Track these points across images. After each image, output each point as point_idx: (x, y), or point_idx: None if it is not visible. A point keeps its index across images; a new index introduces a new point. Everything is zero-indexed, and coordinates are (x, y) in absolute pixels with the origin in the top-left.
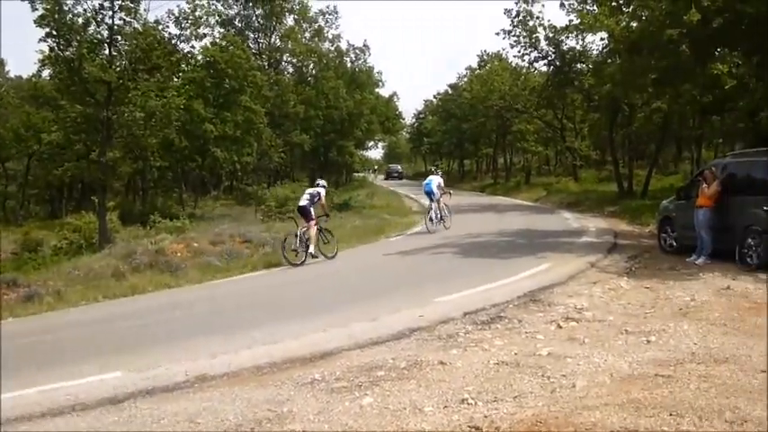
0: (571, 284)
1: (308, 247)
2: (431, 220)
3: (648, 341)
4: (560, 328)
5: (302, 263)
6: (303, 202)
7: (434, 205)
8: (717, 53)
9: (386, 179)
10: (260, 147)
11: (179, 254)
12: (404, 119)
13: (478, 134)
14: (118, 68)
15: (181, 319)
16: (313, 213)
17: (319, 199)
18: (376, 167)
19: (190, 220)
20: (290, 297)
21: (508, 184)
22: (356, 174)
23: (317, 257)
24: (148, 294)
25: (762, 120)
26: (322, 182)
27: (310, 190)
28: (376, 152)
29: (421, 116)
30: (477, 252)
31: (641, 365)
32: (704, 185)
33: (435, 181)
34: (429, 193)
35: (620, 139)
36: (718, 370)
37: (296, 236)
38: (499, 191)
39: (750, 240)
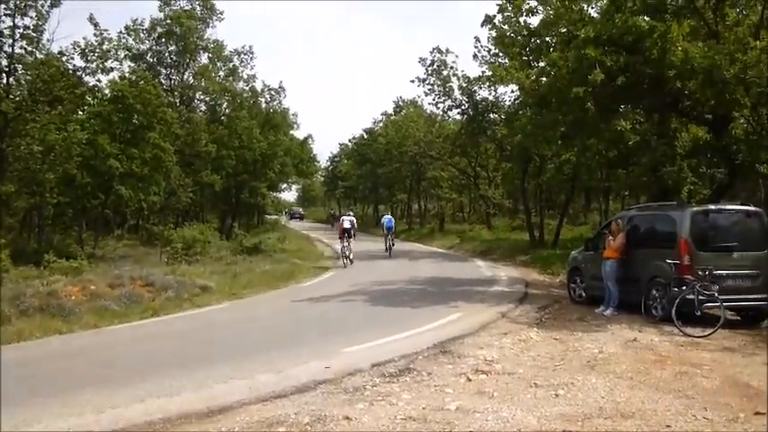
0: (482, 335)
1: (349, 256)
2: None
3: (557, 395)
4: (470, 380)
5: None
6: (347, 225)
7: (390, 238)
8: (620, 110)
9: (290, 219)
10: (168, 185)
11: (74, 297)
12: (318, 162)
13: (393, 179)
14: (16, 98)
15: (68, 369)
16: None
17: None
18: (286, 210)
19: (89, 261)
20: (190, 345)
21: (422, 231)
22: (268, 216)
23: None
24: (36, 341)
25: (663, 174)
26: (351, 214)
27: (350, 218)
28: (290, 194)
29: (336, 159)
30: (388, 300)
31: (549, 420)
32: (610, 238)
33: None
34: (389, 229)
35: (533, 188)
36: (624, 425)
37: (342, 249)
38: (413, 237)
39: (655, 292)
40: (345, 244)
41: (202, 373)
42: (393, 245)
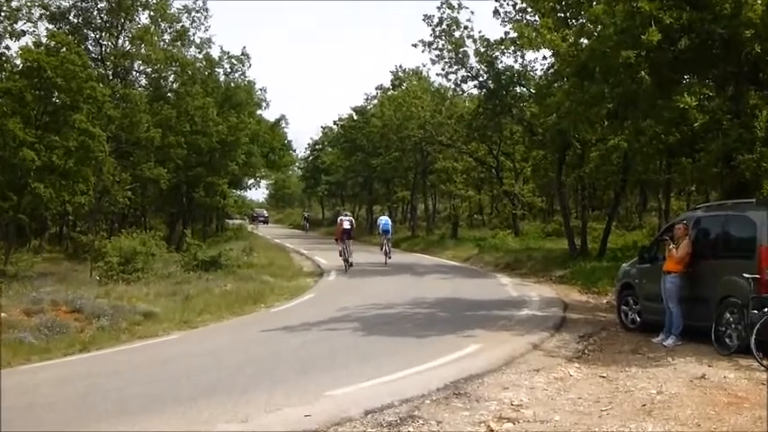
0: (507, 372)
1: (348, 259)
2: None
3: None
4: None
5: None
6: (347, 225)
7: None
8: (683, 81)
9: (251, 223)
10: (100, 183)
11: None
12: (295, 150)
13: (392, 172)
14: None
15: None
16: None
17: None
18: (248, 213)
19: None
20: (130, 388)
21: (430, 238)
22: (230, 221)
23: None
24: None
25: (739, 164)
26: (348, 214)
27: (349, 218)
28: (258, 193)
29: (317, 147)
30: (386, 328)
31: None
32: (672, 246)
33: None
34: (386, 232)
35: (572, 183)
36: None
37: (342, 252)
38: (418, 246)
39: (728, 316)
40: (345, 246)
41: (144, 423)
42: (390, 252)
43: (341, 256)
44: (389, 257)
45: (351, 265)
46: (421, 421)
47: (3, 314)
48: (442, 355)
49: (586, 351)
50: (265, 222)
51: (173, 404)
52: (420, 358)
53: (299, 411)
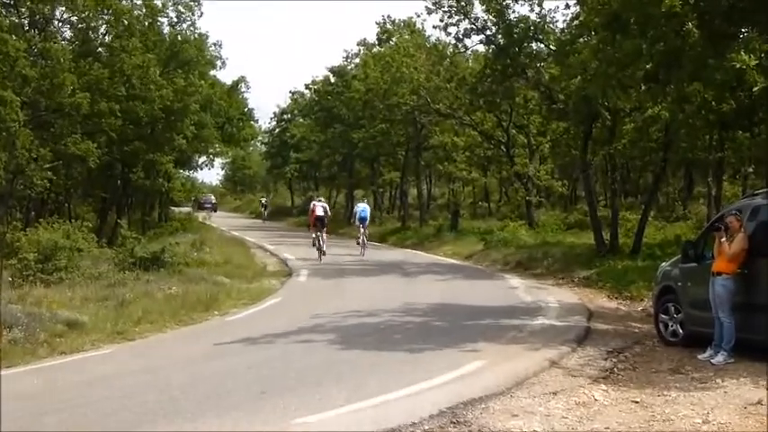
0: (518, 395)
1: (322, 248)
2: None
3: None
4: None
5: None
6: (320, 212)
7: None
8: (740, 36)
9: (198, 210)
10: (12, 161)
11: None
12: (257, 121)
13: (378, 149)
14: None
15: None
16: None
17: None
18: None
19: None
20: (49, 416)
21: (424, 231)
22: (176, 209)
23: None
24: None
25: None
26: (322, 199)
27: (322, 203)
28: (211, 174)
29: (285, 117)
30: (369, 341)
31: None
32: (723, 240)
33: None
34: (363, 220)
35: (600, 162)
36: None
37: (314, 240)
38: (410, 240)
39: None
40: (318, 234)
41: None
42: (366, 241)
43: (314, 245)
44: (365, 249)
45: (324, 254)
46: None
47: None
48: (436, 373)
49: (616, 370)
50: (213, 210)
51: None
52: (410, 378)
53: None
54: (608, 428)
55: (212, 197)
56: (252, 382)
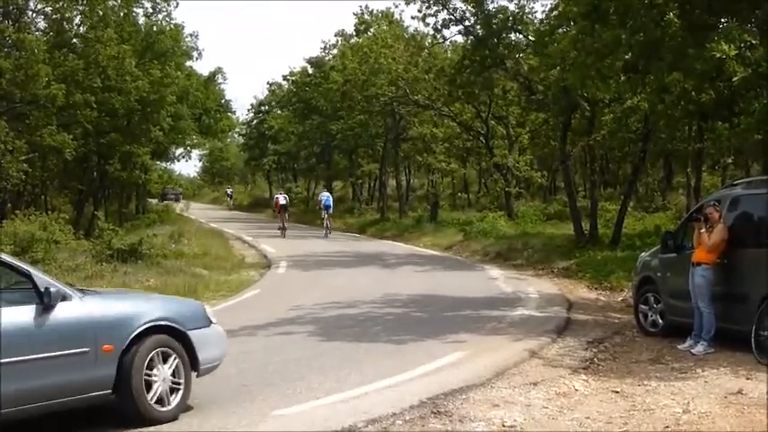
0: (498, 386)
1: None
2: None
3: None
4: None
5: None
6: (283, 201)
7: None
8: (720, 26)
9: (162, 200)
10: None
11: None
12: (234, 112)
13: (356, 140)
14: None
15: None
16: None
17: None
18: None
19: None
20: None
21: (403, 222)
22: (153, 201)
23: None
24: None
25: None
26: (283, 192)
27: (284, 195)
28: (189, 166)
29: (263, 109)
30: (349, 332)
31: None
32: (703, 231)
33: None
34: (328, 207)
35: (579, 153)
36: None
37: (281, 222)
38: (389, 232)
39: None
40: (282, 217)
41: None
42: (330, 226)
43: (279, 228)
44: (330, 232)
45: (285, 231)
46: None
47: None
48: (417, 364)
49: (596, 360)
50: (177, 200)
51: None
52: (391, 369)
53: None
54: (588, 418)
55: (179, 189)
56: (231, 374)
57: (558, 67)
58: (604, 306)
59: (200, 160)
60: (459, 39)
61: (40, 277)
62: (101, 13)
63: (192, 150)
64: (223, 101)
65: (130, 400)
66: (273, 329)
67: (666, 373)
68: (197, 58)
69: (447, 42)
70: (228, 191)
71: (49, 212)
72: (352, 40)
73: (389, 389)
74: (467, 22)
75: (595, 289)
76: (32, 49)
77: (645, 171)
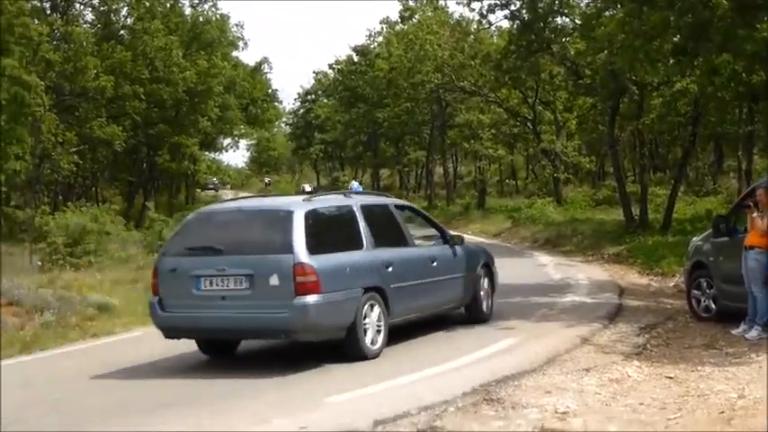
0: (550, 372)
1: None
2: None
3: None
4: None
5: None
6: (309, 189)
7: None
8: None
9: (202, 190)
10: (38, 145)
11: None
12: (281, 102)
13: (402, 128)
14: None
15: None
16: None
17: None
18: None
19: None
20: (87, 398)
21: (451, 209)
22: (204, 191)
23: None
24: None
25: None
26: (309, 183)
27: (310, 184)
28: (236, 156)
29: (309, 98)
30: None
31: None
32: (756, 214)
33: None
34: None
35: (628, 138)
36: None
37: None
38: (437, 219)
39: None
40: None
41: None
42: None
43: None
44: None
45: None
46: None
47: None
48: (468, 351)
49: (648, 346)
50: (215, 190)
51: (138, 418)
52: (442, 356)
53: (293, 422)
54: (642, 404)
55: (215, 179)
56: (285, 362)
57: (606, 51)
58: (656, 292)
59: (247, 150)
60: (505, 24)
61: (444, 229)
62: (147, 4)
63: (240, 140)
64: (269, 90)
65: (477, 310)
66: None
67: (720, 358)
68: (243, 48)
69: (492, 27)
70: (266, 180)
71: (100, 204)
72: (397, 28)
73: (441, 376)
74: (512, 7)
75: (647, 275)
76: (81, 41)
77: (695, 155)
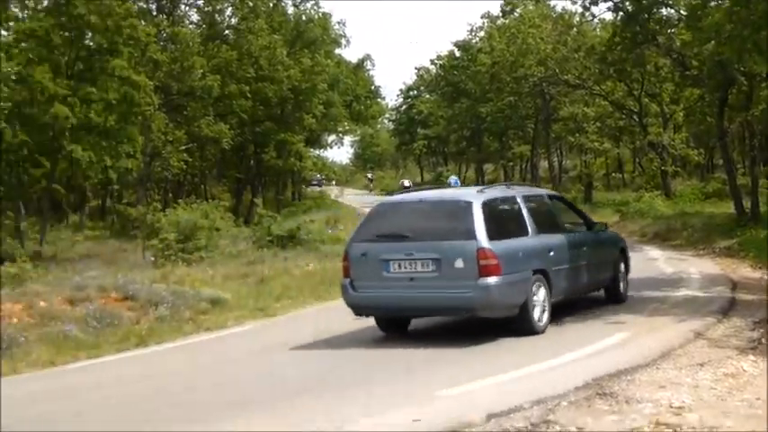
0: (664, 367)
1: None
2: None
3: None
4: None
5: None
6: (407, 184)
7: None
8: None
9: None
10: (148, 143)
11: (15, 319)
12: (384, 98)
13: (506, 122)
14: None
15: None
16: None
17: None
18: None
19: (33, 264)
20: (202, 391)
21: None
22: (310, 187)
23: None
24: None
25: None
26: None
27: (408, 180)
28: (341, 152)
29: (412, 94)
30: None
31: None
32: None
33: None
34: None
35: (737, 129)
36: None
37: None
38: None
39: None
40: None
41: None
42: None
43: None
44: None
45: None
46: (557, 427)
47: (42, 303)
48: (580, 345)
49: (763, 341)
50: (319, 186)
51: (253, 409)
52: (553, 350)
53: (407, 414)
54: (759, 399)
55: (319, 176)
56: (395, 355)
57: (713, 41)
58: None
59: (351, 147)
60: (609, 16)
61: (589, 217)
62: (251, 4)
63: (344, 137)
64: (372, 87)
65: (616, 291)
66: None
67: None
68: (345, 46)
69: (596, 20)
70: (369, 175)
71: (209, 201)
72: (499, 22)
73: (553, 370)
74: None
75: (759, 268)
76: (187, 41)
77: None
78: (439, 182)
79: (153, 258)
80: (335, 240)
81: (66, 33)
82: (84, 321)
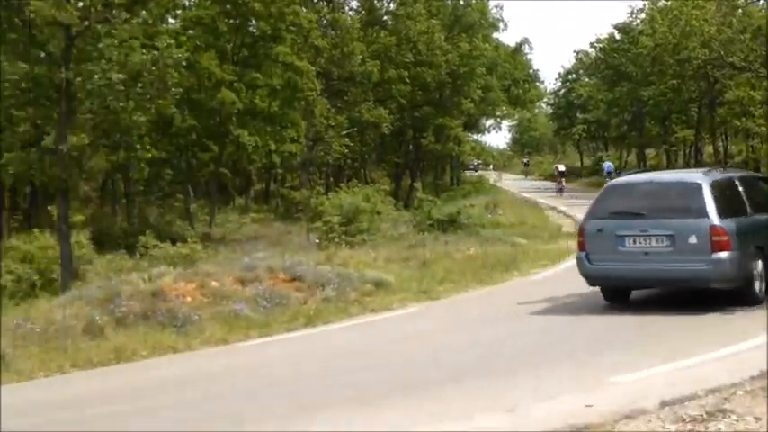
0: None
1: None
2: None
3: None
4: None
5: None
6: (562, 168)
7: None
8: None
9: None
10: (311, 128)
11: (189, 298)
12: (542, 82)
13: (668, 106)
14: (80, 4)
15: (193, 406)
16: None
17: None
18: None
19: (203, 245)
20: (370, 371)
21: None
22: (467, 172)
23: None
24: (142, 362)
25: None
26: (562, 164)
27: (562, 164)
28: (498, 137)
29: (570, 78)
30: (681, 301)
31: None
32: None
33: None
34: (610, 173)
35: None
36: None
37: (558, 185)
38: None
39: None
40: (559, 182)
41: (391, 413)
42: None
43: (556, 190)
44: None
45: (561, 191)
46: (734, 417)
47: (213, 283)
48: (752, 334)
49: None
50: (475, 171)
51: (420, 391)
52: (724, 338)
53: (578, 400)
54: None
55: (476, 160)
56: (562, 341)
57: None
58: None
59: (509, 131)
60: None
61: None
62: None
63: (502, 121)
64: (530, 71)
65: None
66: (599, 297)
67: None
68: (503, 30)
69: (761, 1)
70: (525, 160)
71: (369, 185)
72: (660, 3)
73: (726, 358)
74: None
75: None
76: (347, 27)
77: None
78: (598, 167)
79: (317, 240)
80: (496, 225)
81: (231, 20)
82: (255, 301)
